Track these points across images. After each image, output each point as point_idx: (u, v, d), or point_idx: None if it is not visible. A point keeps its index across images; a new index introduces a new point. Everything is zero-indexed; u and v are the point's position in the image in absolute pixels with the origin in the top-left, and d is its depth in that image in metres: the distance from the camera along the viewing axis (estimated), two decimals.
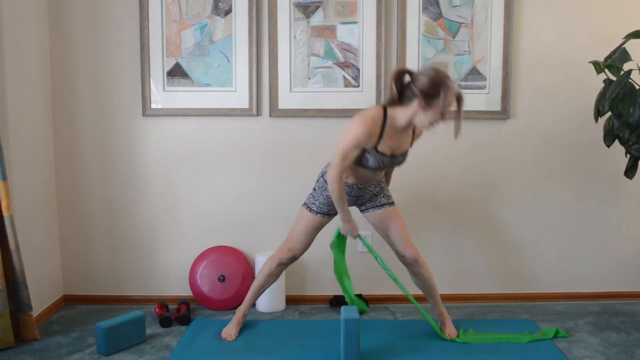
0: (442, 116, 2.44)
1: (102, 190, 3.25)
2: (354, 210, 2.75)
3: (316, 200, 2.72)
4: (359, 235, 2.67)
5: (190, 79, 3.19)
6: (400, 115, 2.49)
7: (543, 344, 2.74)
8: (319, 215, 2.71)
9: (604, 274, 3.37)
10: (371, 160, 2.51)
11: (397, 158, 2.59)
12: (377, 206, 2.72)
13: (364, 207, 2.76)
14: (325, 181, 2.69)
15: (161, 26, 3.15)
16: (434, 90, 2.40)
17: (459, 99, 2.47)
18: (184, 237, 3.29)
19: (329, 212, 2.71)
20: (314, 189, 2.73)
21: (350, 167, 2.57)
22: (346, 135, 2.45)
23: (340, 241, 2.77)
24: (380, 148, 2.49)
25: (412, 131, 2.62)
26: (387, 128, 2.49)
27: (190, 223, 3.28)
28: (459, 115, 2.51)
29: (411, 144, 2.67)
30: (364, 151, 2.49)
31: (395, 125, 2.50)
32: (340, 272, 2.80)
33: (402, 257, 2.78)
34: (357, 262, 3.29)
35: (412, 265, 2.76)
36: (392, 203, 2.75)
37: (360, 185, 2.66)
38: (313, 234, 2.76)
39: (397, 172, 3.14)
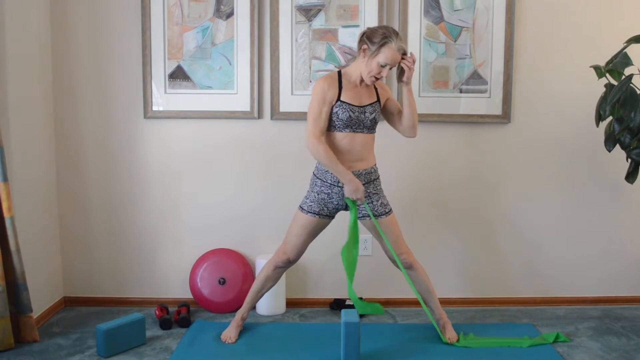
0: (380, 68, 2.54)
1: (103, 192, 3.26)
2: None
3: (307, 198, 2.72)
4: (364, 203, 2.64)
5: (191, 81, 3.19)
6: (353, 68, 2.65)
7: (543, 349, 2.74)
8: (309, 214, 2.69)
9: (605, 279, 3.36)
10: (341, 113, 2.58)
11: (366, 107, 2.62)
12: (374, 215, 2.70)
13: (361, 214, 2.74)
14: (316, 176, 2.69)
15: (163, 28, 3.16)
16: (375, 38, 2.53)
17: (404, 54, 2.57)
18: (184, 240, 3.29)
19: (319, 212, 2.68)
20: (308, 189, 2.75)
21: (329, 143, 2.62)
22: (311, 99, 2.60)
23: (355, 216, 2.64)
24: (343, 98, 2.59)
25: (374, 89, 2.70)
26: (344, 81, 2.63)
27: (190, 225, 3.28)
28: (404, 71, 2.60)
29: (379, 101, 2.69)
30: (332, 109, 2.58)
31: (350, 78, 2.64)
32: (349, 261, 2.66)
33: (395, 263, 2.78)
34: (358, 266, 3.28)
35: (408, 270, 2.76)
36: (389, 212, 2.73)
37: (351, 171, 2.64)
38: (305, 236, 2.73)
39: (398, 173, 3.15)
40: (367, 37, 2.56)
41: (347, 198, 2.62)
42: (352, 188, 2.57)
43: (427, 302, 2.83)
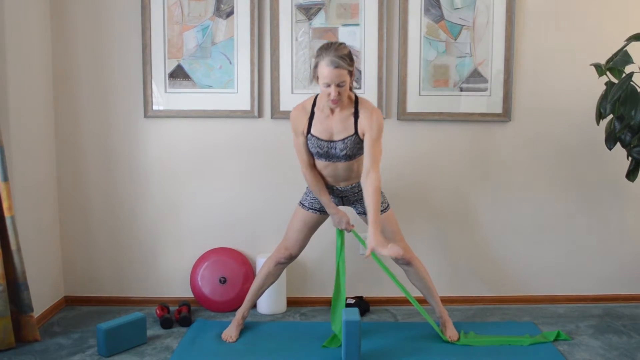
0: (327, 90, 2.35)
1: (104, 191, 3.26)
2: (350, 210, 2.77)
3: (307, 195, 2.74)
4: (352, 230, 2.70)
5: (191, 80, 3.19)
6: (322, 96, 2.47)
7: (544, 347, 2.74)
8: (310, 211, 2.72)
9: (606, 277, 3.36)
10: (310, 145, 2.55)
11: (335, 143, 2.50)
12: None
13: (358, 211, 2.76)
14: None
15: (163, 28, 3.15)
16: (315, 60, 2.39)
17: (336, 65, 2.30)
18: (185, 239, 3.29)
19: (320, 209, 2.71)
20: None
21: (316, 165, 2.63)
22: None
23: (341, 242, 2.75)
24: (313, 132, 2.53)
25: (354, 119, 2.49)
26: (317, 110, 2.52)
27: (191, 224, 3.28)
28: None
29: (357, 131, 2.48)
30: (306, 139, 2.55)
31: (322, 106, 2.50)
32: (337, 295, 2.76)
33: (394, 259, 2.78)
34: (358, 264, 3.29)
35: (406, 266, 2.77)
36: (386, 209, 2.72)
37: (339, 187, 2.67)
38: (307, 231, 2.75)
39: (397, 171, 3.15)
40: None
41: (338, 232, 2.72)
42: (337, 220, 2.66)
43: (427, 300, 2.84)
